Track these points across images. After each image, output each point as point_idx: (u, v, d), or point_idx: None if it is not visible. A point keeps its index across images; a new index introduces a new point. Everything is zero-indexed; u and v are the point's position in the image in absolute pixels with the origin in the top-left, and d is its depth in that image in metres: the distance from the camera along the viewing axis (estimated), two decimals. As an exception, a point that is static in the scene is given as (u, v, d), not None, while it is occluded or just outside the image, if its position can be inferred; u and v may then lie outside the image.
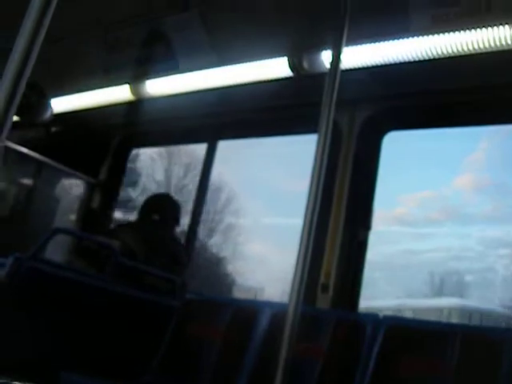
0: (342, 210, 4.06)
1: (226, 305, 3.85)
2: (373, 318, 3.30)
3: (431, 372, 2.85)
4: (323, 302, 3.90)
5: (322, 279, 3.94)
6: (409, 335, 3.10)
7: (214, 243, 12.48)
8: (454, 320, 11.43)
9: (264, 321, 3.56)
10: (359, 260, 4.06)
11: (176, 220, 4.84)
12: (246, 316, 3.68)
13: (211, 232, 12.55)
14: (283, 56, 4.05)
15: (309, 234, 2.25)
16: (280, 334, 2.18)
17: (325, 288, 3.92)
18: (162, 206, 4.84)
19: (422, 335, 3.06)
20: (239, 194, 12.34)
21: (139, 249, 4.31)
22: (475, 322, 10.70)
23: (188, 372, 3.63)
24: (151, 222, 4.68)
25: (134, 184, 13.25)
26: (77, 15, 4.32)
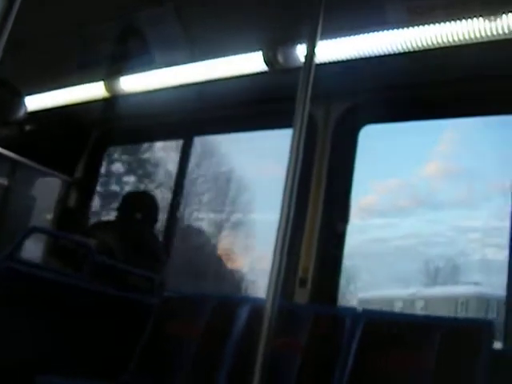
0: (319, 203, 4.06)
1: (204, 301, 3.84)
2: (352, 312, 3.31)
3: (411, 365, 2.86)
4: (301, 296, 3.90)
5: (300, 273, 3.94)
6: (388, 328, 3.10)
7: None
8: (472, 309, 11.16)
9: (243, 316, 3.55)
10: (337, 253, 4.06)
11: (155, 218, 4.82)
12: (224, 312, 3.68)
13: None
14: (258, 50, 4.04)
15: (285, 228, 2.24)
16: (259, 330, 2.17)
17: (303, 282, 3.92)
18: (142, 204, 4.81)
19: (402, 328, 3.07)
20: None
21: (118, 247, 4.28)
22: (492, 310, 10.43)
23: (167, 370, 3.61)
24: (131, 220, 4.65)
25: (150, 175, 13.14)
26: (50, 11, 4.28)
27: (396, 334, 3.05)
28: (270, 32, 3.95)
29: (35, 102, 5.31)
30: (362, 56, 3.73)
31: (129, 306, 3.90)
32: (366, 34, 3.61)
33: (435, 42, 3.44)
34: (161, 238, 5.10)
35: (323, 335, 3.24)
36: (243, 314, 3.56)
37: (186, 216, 12.01)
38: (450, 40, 3.36)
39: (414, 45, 3.50)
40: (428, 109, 4.08)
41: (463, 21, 3.23)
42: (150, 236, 4.74)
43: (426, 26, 3.37)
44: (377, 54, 3.67)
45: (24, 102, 5.01)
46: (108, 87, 4.99)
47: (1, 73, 3.97)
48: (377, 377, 2.96)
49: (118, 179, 12.76)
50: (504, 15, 3.11)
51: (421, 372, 2.83)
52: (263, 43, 4.00)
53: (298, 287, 3.92)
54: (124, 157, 12.85)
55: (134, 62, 4.68)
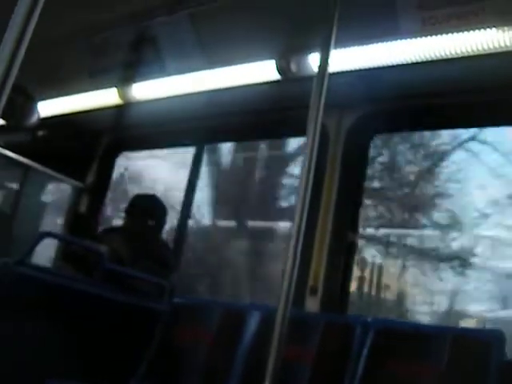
0: (330, 212, 4.06)
1: (214, 308, 3.84)
2: (362, 321, 3.30)
3: (421, 375, 2.85)
4: (312, 304, 3.90)
5: (311, 282, 3.94)
6: (398, 338, 3.10)
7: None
8: None
9: (253, 324, 3.55)
10: (348, 262, 4.06)
11: (164, 223, 4.81)
12: (234, 319, 3.68)
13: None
14: (271, 59, 4.05)
15: (297, 236, 2.25)
16: (269, 338, 2.17)
17: (314, 291, 3.92)
18: (153, 210, 4.79)
19: (412, 338, 3.06)
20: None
21: (127, 253, 4.29)
22: None
23: (176, 377, 3.61)
24: (140, 226, 4.64)
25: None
26: (64, 18, 4.30)
27: (406, 342, 3.05)
28: (284, 40, 3.96)
29: (48, 108, 5.34)
30: (375, 65, 3.73)
31: (139, 313, 3.91)
32: (379, 44, 3.61)
33: (448, 53, 3.44)
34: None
35: (333, 343, 3.24)
36: (253, 321, 3.56)
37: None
38: (464, 50, 3.36)
39: (427, 55, 3.50)
40: (441, 118, 4.08)
41: (477, 31, 3.23)
42: (159, 242, 4.74)
43: (440, 36, 3.37)
44: (389, 63, 3.68)
45: (37, 108, 5.04)
46: (120, 94, 5.01)
47: (15, 79, 4.00)
48: (386, 386, 2.95)
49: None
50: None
51: (430, 381, 2.82)
52: (276, 52, 4.01)
53: (308, 295, 3.92)
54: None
55: (146, 69, 4.70)
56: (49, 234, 4.26)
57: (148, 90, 4.87)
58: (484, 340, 2.86)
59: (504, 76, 3.48)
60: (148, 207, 4.80)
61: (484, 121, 4.03)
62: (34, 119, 5.04)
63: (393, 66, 3.66)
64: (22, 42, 1.37)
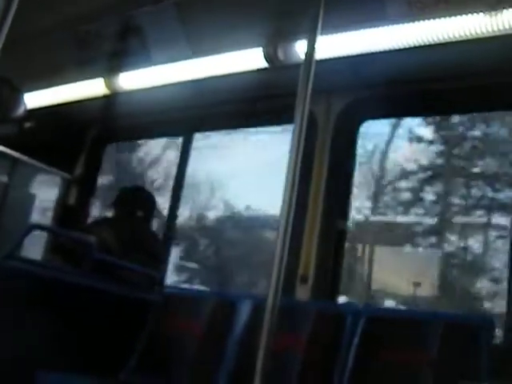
0: (320, 200, 4.06)
1: (204, 298, 3.84)
2: (353, 309, 3.31)
3: (412, 361, 2.86)
4: (303, 293, 3.90)
5: (302, 270, 3.94)
6: (389, 325, 3.11)
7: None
8: None
9: (243, 313, 3.55)
10: (338, 250, 4.06)
11: (153, 215, 4.80)
12: (225, 309, 3.67)
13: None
14: (258, 46, 4.03)
15: (286, 225, 2.24)
16: (260, 327, 2.17)
17: (304, 279, 3.92)
18: (142, 202, 4.78)
19: (403, 324, 3.07)
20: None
21: (116, 245, 4.27)
22: None
23: (167, 367, 3.61)
24: (131, 218, 4.63)
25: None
26: (49, 8, 4.27)
27: (397, 330, 3.05)
28: (270, 28, 3.94)
29: (34, 100, 5.30)
30: (363, 51, 3.72)
31: (130, 303, 3.90)
32: (366, 30, 3.60)
33: (435, 38, 3.43)
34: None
35: (324, 332, 3.24)
36: (244, 311, 3.56)
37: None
38: (451, 35, 3.35)
39: (415, 40, 3.49)
40: (428, 104, 4.08)
41: (464, 16, 3.22)
42: (149, 233, 4.73)
43: (427, 21, 3.35)
44: (378, 49, 3.66)
45: (23, 100, 5.00)
46: (107, 84, 4.98)
47: (0, 70, 3.97)
48: (378, 373, 2.96)
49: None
50: (505, 10, 3.10)
51: (422, 368, 2.83)
52: (263, 39, 3.99)
53: (299, 284, 3.92)
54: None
55: (132, 59, 4.67)
56: (37, 226, 4.25)
57: (135, 79, 4.84)
58: (474, 325, 2.87)
59: (493, 60, 3.48)
60: (136, 199, 4.79)
61: (474, 106, 4.04)
62: (20, 111, 5.01)
63: (381, 52, 3.65)
64: (1, 35, 1.35)
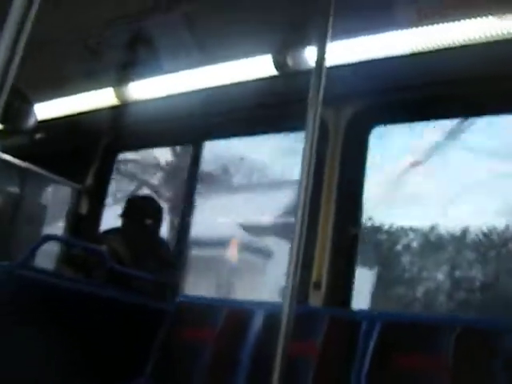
0: (332, 206, 4.05)
1: (218, 307, 3.83)
2: (368, 314, 3.30)
3: (428, 367, 2.85)
4: (316, 299, 3.89)
5: (315, 277, 3.94)
6: (405, 330, 3.09)
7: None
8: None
9: (258, 321, 3.54)
10: (351, 256, 4.06)
11: (161, 222, 4.82)
12: (239, 318, 3.67)
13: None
14: (267, 54, 4.03)
15: (300, 232, 2.24)
16: (274, 335, 2.16)
17: (317, 285, 3.91)
18: (151, 210, 4.80)
19: (418, 329, 3.05)
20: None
21: (127, 254, 4.28)
22: None
23: (182, 376, 3.61)
24: (141, 227, 4.64)
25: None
26: (59, 19, 4.29)
27: (413, 335, 3.04)
28: (280, 35, 3.95)
29: (45, 111, 5.33)
30: (373, 58, 3.72)
31: (142, 312, 3.91)
32: (375, 36, 3.60)
33: (445, 43, 3.43)
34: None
35: (339, 338, 3.23)
36: (258, 319, 3.55)
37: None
38: (460, 40, 3.35)
39: (424, 45, 3.49)
40: (439, 109, 4.07)
41: (473, 20, 3.22)
42: (160, 242, 4.74)
43: (436, 25, 3.35)
44: (387, 55, 3.66)
45: (34, 111, 5.03)
46: (117, 94, 5.00)
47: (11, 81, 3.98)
48: (394, 379, 2.94)
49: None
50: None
51: (438, 375, 2.81)
52: (273, 47, 4.00)
53: (312, 290, 3.92)
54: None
55: (142, 69, 4.69)
56: (50, 237, 4.26)
57: (145, 89, 4.86)
58: (493, 330, 2.85)
59: (502, 65, 3.47)
60: (144, 208, 4.82)
61: (483, 110, 4.02)
62: (31, 122, 5.03)
63: (391, 58, 3.65)
64: (18, 45, 1.35)
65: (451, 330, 2.88)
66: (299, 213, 2.27)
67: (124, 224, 4.76)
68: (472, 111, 4.13)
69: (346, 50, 3.76)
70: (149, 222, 4.66)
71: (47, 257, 5.34)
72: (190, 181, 5.36)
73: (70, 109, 5.41)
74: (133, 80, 4.83)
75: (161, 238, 4.84)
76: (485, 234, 7.93)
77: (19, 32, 1.35)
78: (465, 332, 2.87)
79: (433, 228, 8.32)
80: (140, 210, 4.79)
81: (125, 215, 4.77)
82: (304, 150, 2.36)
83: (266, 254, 12.76)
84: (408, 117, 4.31)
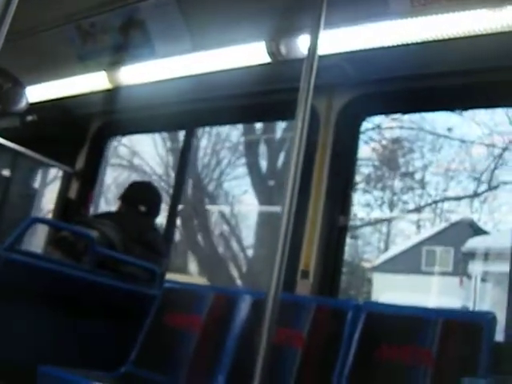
0: (321, 196, 4.06)
1: (205, 293, 3.83)
2: (354, 304, 3.30)
3: (412, 358, 2.86)
4: (303, 288, 3.90)
5: (302, 265, 3.94)
6: (390, 321, 3.10)
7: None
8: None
9: (244, 308, 3.54)
10: (340, 246, 4.06)
11: (158, 211, 4.81)
12: (225, 304, 3.67)
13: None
14: (261, 41, 4.02)
15: (288, 220, 2.24)
16: (260, 322, 2.16)
17: (305, 274, 3.92)
18: (146, 197, 4.79)
19: (403, 321, 3.06)
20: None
21: (118, 238, 4.27)
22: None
23: (167, 362, 3.61)
24: (134, 213, 4.63)
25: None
26: (51, 2, 4.27)
27: (398, 326, 3.05)
28: (273, 22, 3.93)
29: (37, 93, 5.30)
30: (365, 47, 3.71)
31: (130, 297, 3.90)
32: (368, 25, 3.59)
33: (438, 34, 3.42)
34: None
35: (325, 327, 3.23)
36: (244, 305, 3.55)
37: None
38: (455, 31, 3.34)
39: (417, 36, 3.48)
40: (431, 100, 4.07)
41: (467, 11, 3.21)
42: (151, 229, 4.72)
43: (429, 16, 3.34)
44: (379, 45, 3.65)
45: (25, 93, 5.00)
46: (110, 78, 4.97)
47: (2, 63, 3.96)
48: (378, 369, 2.95)
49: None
50: (509, 6, 3.09)
51: (422, 365, 2.83)
52: (266, 34, 3.98)
53: (299, 279, 3.92)
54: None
55: (135, 53, 4.66)
56: (38, 220, 4.25)
57: (137, 73, 4.83)
58: (476, 322, 2.86)
59: (495, 57, 3.47)
60: (143, 194, 4.80)
61: (477, 102, 4.02)
62: (22, 104, 5.00)
63: (384, 48, 3.64)
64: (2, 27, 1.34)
65: (436, 322, 2.90)
66: (287, 201, 2.27)
67: (119, 208, 4.76)
68: (465, 103, 4.13)
69: (339, 39, 3.75)
70: (143, 208, 4.65)
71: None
72: (181, 167, 5.36)
73: (62, 92, 5.38)
74: (125, 64, 4.80)
75: (154, 225, 4.83)
76: None
77: (3, 15, 1.34)
78: (449, 324, 2.88)
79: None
80: (136, 196, 4.78)
81: (121, 199, 4.77)
82: (294, 138, 2.36)
83: None
84: (400, 107, 4.32)
